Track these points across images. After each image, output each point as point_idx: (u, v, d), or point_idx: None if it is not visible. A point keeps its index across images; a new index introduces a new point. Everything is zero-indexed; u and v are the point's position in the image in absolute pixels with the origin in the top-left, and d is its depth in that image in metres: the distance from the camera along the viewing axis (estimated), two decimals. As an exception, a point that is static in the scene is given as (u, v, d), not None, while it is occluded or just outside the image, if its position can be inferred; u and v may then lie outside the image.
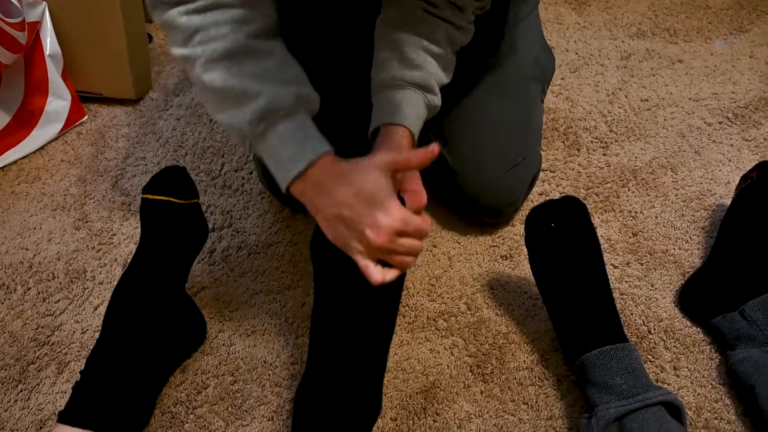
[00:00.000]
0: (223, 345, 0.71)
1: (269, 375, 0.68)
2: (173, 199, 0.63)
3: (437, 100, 0.67)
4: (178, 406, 0.66)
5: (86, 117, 1.00)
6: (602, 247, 0.77)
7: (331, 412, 0.58)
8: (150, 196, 0.63)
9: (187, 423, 0.65)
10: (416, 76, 0.65)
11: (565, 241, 0.62)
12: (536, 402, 0.64)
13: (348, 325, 0.60)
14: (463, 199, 0.78)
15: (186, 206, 0.65)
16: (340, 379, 0.59)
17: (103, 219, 0.86)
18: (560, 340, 0.66)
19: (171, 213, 0.64)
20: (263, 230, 0.83)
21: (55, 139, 0.97)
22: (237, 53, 0.54)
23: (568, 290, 0.62)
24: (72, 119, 0.98)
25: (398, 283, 0.64)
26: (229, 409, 0.66)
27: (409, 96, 0.65)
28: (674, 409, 0.56)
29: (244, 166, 0.91)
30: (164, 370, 0.65)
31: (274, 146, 0.55)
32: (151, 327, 0.63)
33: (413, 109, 0.65)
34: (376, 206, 0.52)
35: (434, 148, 0.54)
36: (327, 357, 0.61)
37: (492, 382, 0.66)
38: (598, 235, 0.77)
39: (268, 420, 0.65)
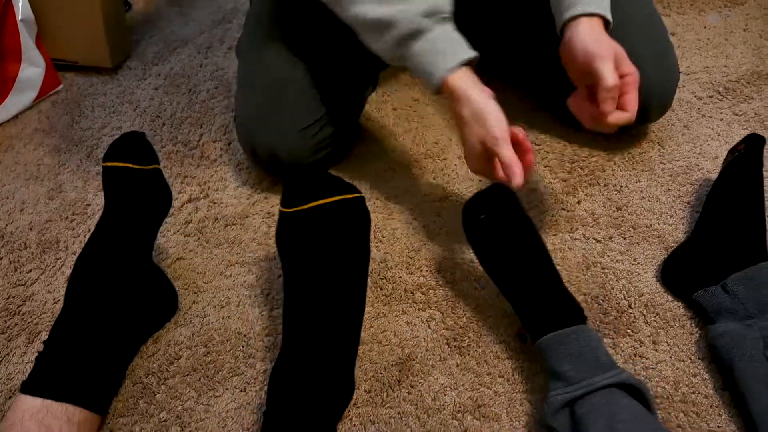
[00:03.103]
0: (197, 316, 0.70)
1: (243, 346, 0.67)
2: (132, 165, 0.61)
3: None
4: (150, 376, 0.65)
5: (61, 85, 0.98)
6: (585, 221, 0.76)
7: (303, 397, 0.57)
8: (109, 164, 0.62)
9: (158, 393, 0.64)
10: None
11: (498, 230, 0.61)
12: (512, 375, 0.63)
13: (317, 309, 0.59)
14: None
15: (146, 172, 0.63)
16: (312, 363, 0.58)
17: (77, 189, 0.84)
18: (524, 325, 0.65)
19: (131, 180, 0.62)
20: (240, 202, 0.81)
21: (30, 107, 0.95)
22: None
23: (513, 279, 0.61)
24: (47, 87, 0.96)
25: (363, 267, 0.63)
26: (202, 379, 0.65)
27: None
28: (634, 389, 0.55)
29: (223, 137, 0.89)
30: (133, 340, 0.64)
31: (413, 65, 0.65)
32: (114, 295, 0.61)
33: None
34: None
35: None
36: (298, 341, 0.59)
37: (468, 355, 0.65)
38: (582, 209, 0.77)
39: (241, 391, 0.64)
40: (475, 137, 0.63)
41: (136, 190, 0.63)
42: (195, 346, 0.68)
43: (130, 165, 0.61)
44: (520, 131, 0.63)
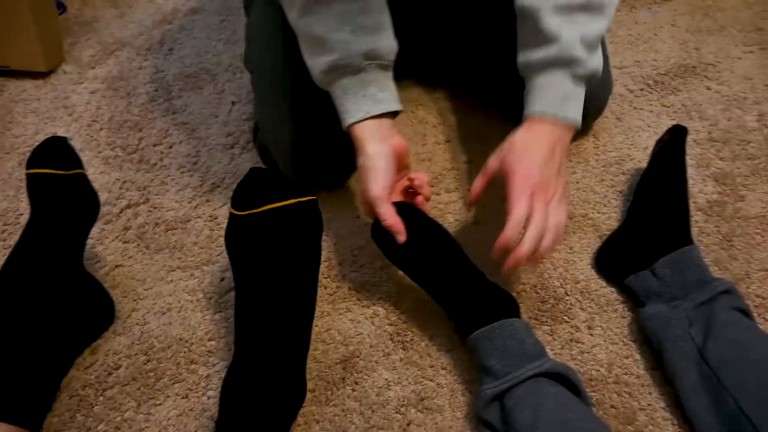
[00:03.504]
0: (137, 324, 0.69)
1: (184, 352, 0.66)
2: (54, 171, 0.60)
3: (589, 65, 0.63)
4: (87, 388, 0.64)
5: (-8, 91, 0.94)
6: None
7: (257, 401, 0.57)
8: (32, 171, 0.60)
9: (96, 405, 0.62)
10: (550, 54, 0.62)
11: (410, 240, 0.62)
12: (454, 367, 0.64)
13: (269, 313, 0.59)
14: None
15: (69, 177, 0.62)
16: (265, 367, 0.58)
17: (8, 198, 0.80)
18: (455, 325, 0.66)
19: (54, 186, 0.61)
20: (182, 205, 0.80)
21: (-42, 115, 0.91)
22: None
23: (434, 283, 0.63)
24: (-24, 94, 0.92)
25: (314, 269, 0.63)
26: (142, 388, 0.64)
27: (545, 81, 0.63)
28: (562, 376, 0.57)
29: (163, 140, 0.87)
30: (65, 353, 0.62)
31: (336, 96, 0.64)
32: (42, 306, 0.59)
33: (551, 90, 0.62)
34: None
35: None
36: (251, 345, 0.59)
37: (412, 349, 0.66)
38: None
39: (183, 398, 0.63)
40: (360, 190, 0.63)
41: (59, 196, 0.61)
42: (135, 354, 0.66)
43: (52, 171, 0.59)
44: (418, 178, 0.64)
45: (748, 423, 0.53)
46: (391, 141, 0.63)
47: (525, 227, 0.59)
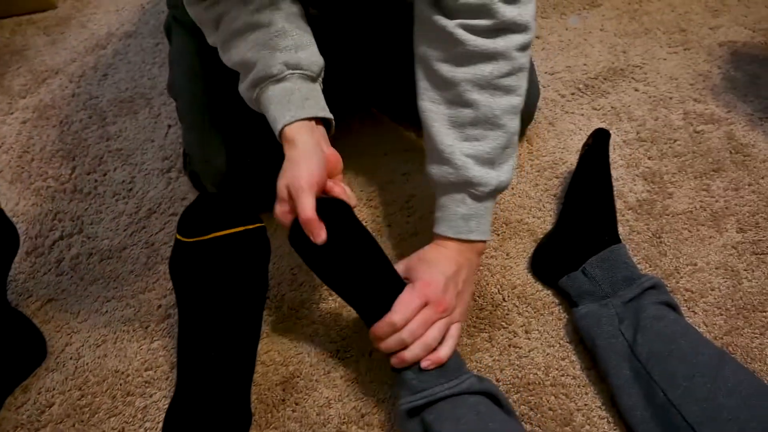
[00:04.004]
0: (71, 359, 0.67)
1: (120, 384, 0.65)
2: None
3: (490, 182, 0.61)
4: (19, 429, 0.62)
5: None
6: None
7: (203, 430, 0.56)
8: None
9: (29, 446, 0.61)
10: (446, 174, 0.62)
11: (334, 241, 0.57)
12: (395, 380, 0.64)
13: (212, 342, 0.58)
14: None
15: None
16: (210, 396, 0.57)
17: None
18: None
19: None
20: (117, 234, 0.78)
21: None
22: (243, 30, 0.61)
23: (355, 289, 0.60)
24: None
25: (261, 297, 0.63)
26: (76, 425, 0.62)
27: (447, 200, 0.62)
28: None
29: (97, 167, 0.86)
30: (-7, 393, 0.60)
31: (265, 109, 0.62)
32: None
33: (452, 211, 0.62)
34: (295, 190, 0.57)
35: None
36: (195, 374, 0.58)
37: (352, 366, 0.65)
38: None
39: (119, 432, 0.62)
40: (283, 181, 0.57)
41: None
42: (68, 390, 0.65)
43: (-38, 209, 0.57)
44: (337, 185, 0.60)
45: (677, 413, 0.54)
46: (324, 147, 0.60)
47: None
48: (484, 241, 0.64)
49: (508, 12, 0.57)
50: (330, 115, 0.61)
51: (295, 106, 0.58)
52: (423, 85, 0.62)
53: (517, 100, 0.60)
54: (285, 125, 0.59)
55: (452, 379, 0.56)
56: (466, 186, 0.61)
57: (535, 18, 0.60)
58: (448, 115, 0.61)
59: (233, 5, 0.60)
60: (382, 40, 0.78)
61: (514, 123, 0.61)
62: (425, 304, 0.58)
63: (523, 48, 0.59)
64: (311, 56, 0.61)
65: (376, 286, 0.59)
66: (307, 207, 0.55)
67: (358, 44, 0.79)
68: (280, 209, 0.58)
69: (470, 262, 0.62)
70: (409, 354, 0.57)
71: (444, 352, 0.58)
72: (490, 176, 0.61)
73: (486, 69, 0.58)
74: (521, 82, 0.61)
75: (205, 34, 0.65)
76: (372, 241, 0.61)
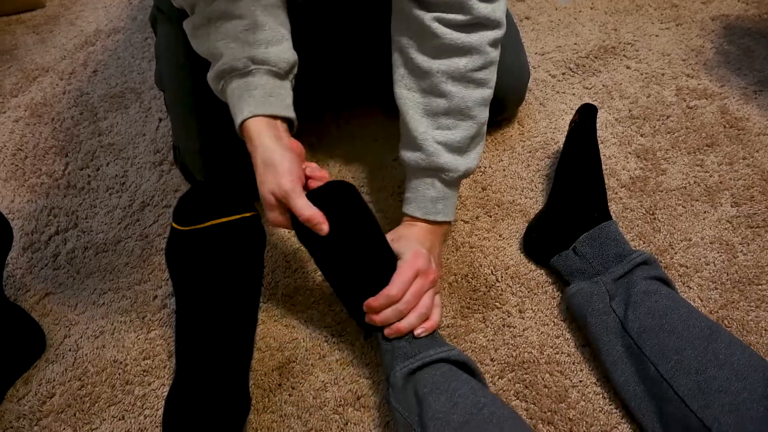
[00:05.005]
0: (70, 350, 0.68)
1: (119, 374, 0.65)
2: None
3: (459, 168, 0.64)
4: (21, 420, 0.63)
5: None
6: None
7: (203, 416, 0.56)
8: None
9: (31, 436, 0.62)
10: (418, 159, 0.64)
11: (338, 225, 0.58)
12: (382, 361, 0.65)
13: (211, 329, 0.59)
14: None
15: None
16: (209, 382, 0.57)
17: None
18: (354, 319, 0.63)
19: None
20: (111, 227, 0.79)
21: None
22: (215, 18, 0.60)
23: (353, 273, 0.60)
24: None
25: (257, 284, 0.63)
26: (77, 414, 0.63)
27: (418, 183, 0.65)
28: (464, 365, 0.57)
29: (90, 163, 0.86)
30: (-7, 386, 0.61)
31: (228, 99, 0.61)
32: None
33: (422, 193, 0.65)
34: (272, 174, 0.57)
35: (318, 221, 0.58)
36: (194, 361, 0.59)
37: (347, 349, 0.66)
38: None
39: (119, 419, 0.62)
40: (266, 188, 0.57)
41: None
42: (68, 381, 0.65)
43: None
44: (315, 169, 0.60)
45: (669, 387, 0.54)
46: (286, 140, 0.60)
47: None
48: (449, 222, 0.68)
49: (482, 9, 0.60)
50: (293, 115, 0.60)
51: (256, 101, 0.58)
52: (400, 72, 0.64)
53: (487, 93, 0.64)
54: (243, 120, 0.59)
55: (443, 346, 0.59)
56: (436, 171, 0.65)
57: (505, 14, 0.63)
58: (423, 104, 0.63)
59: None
60: (367, 28, 0.77)
61: (484, 114, 0.64)
62: (416, 276, 0.60)
63: (495, 44, 0.62)
64: (282, 52, 0.60)
65: (378, 263, 0.61)
66: (303, 208, 0.56)
67: (343, 32, 0.79)
68: (272, 216, 0.59)
69: (439, 241, 0.68)
70: (405, 323, 0.59)
71: (435, 319, 0.61)
72: (459, 163, 0.65)
73: (460, 63, 0.61)
74: (492, 75, 0.64)
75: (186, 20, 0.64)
76: (373, 219, 0.62)
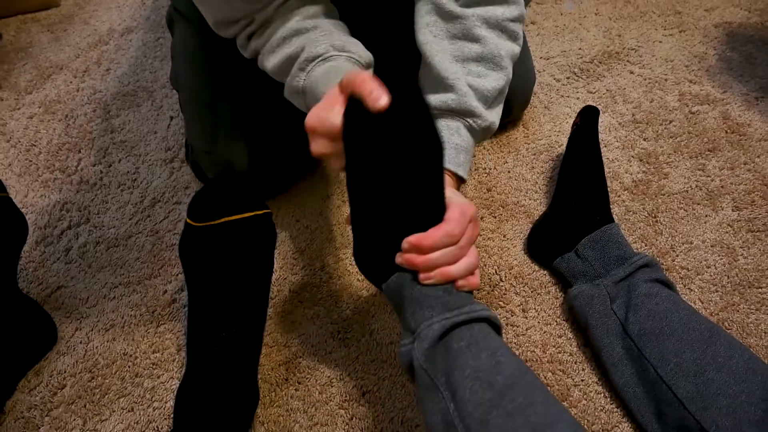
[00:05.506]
0: (81, 343, 0.69)
1: (129, 366, 0.67)
2: None
3: (487, 118, 0.60)
4: (33, 410, 0.64)
5: (-73, 123, 0.94)
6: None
7: (213, 409, 0.58)
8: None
9: (42, 426, 0.63)
10: (447, 100, 0.60)
11: (397, 135, 0.48)
12: (394, 359, 0.66)
13: (222, 323, 0.60)
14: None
15: None
16: (219, 376, 0.59)
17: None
18: (363, 259, 0.54)
19: None
20: (122, 222, 0.80)
21: None
22: (289, 36, 0.60)
23: (399, 199, 0.50)
24: None
25: (267, 280, 0.64)
26: (87, 405, 0.64)
27: (442, 126, 0.60)
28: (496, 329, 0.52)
29: (102, 159, 0.88)
30: (7, 376, 0.62)
31: (311, 89, 0.57)
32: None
33: (446, 139, 0.59)
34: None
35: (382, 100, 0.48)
36: (204, 354, 0.60)
37: (353, 345, 0.67)
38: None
39: (128, 411, 0.63)
40: (306, 121, 0.51)
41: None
42: (79, 372, 0.67)
43: (-27, 197, 0.59)
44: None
45: (668, 390, 0.55)
46: None
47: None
48: (464, 181, 0.62)
49: None
50: None
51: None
52: (427, 20, 0.61)
53: (517, 49, 0.62)
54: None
55: (482, 305, 0.51)
56: (465, 114, 0.60)
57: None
58: (452, 50, 0.60)
59: (275, 28, 0.59)
60: (379, 31, 0.79)
61: (510, 70, 0.62)
62: (470, 222, 0.53)
63: (527, 1, 0.62)
64: (360, 49, 0.60)
65: (433, 196, 0.51)
66: (355, 80, 0.48)
67: (356, 33, 0.80)
68: (314, 144, 0.52)
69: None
70: (455, 270, 0.51)
71: (478, 276, 0.54)
72: (486, 113, 0.61)
73: (498, 10, 0.60)
74: (521, 32, 0.62)
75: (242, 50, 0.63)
76: (436, 134, 0.51)
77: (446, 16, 0.61)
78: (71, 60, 1.06)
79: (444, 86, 0.60)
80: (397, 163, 0.49)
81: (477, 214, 0.55)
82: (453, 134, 0.60)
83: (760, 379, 0.52)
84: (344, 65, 0.57)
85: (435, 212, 0.51)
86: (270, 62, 0.61)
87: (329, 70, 0.56)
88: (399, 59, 0.69)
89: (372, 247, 0.53)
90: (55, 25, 1.14)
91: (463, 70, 0.60)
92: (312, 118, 0.51)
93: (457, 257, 0.52)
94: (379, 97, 0.47)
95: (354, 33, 0.65)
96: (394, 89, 0.48)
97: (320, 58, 0.57)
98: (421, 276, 0.51)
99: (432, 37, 0.61)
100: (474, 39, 0.60)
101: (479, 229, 0.57)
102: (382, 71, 0.57)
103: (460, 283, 0.52)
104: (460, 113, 0.60)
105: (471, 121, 0.60)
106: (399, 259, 0.51)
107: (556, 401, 0.44)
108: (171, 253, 0.76)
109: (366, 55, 0.59)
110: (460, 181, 0.61)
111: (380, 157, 0.49)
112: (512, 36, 0.61)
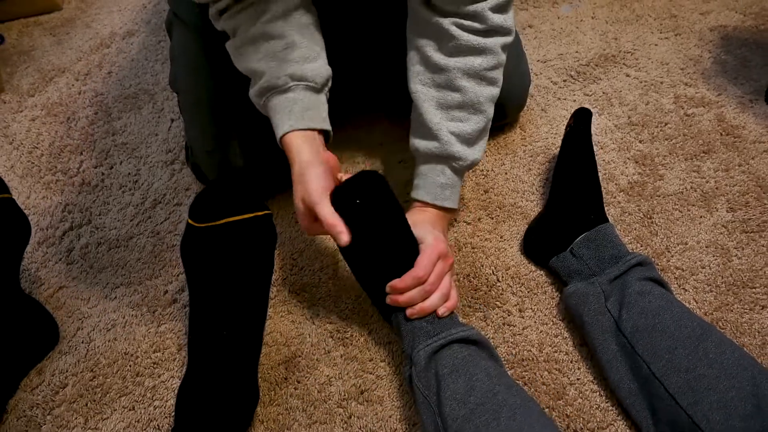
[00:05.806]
0: (82, 342, 0.70)
1: (130, 366, 0.68)
2: None
3: (468, 158, 0.69)
4: (35, 408, 0.65)
5: (-69, 125, 0.95)
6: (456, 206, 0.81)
7: (213, 408, 0.59)
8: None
9: (44, 425, 0.63)
10: (431, 147, 0.69)
11: (370, 215, 0.62)
12: (393, 359, 0.67)
13: (223, 322, 0.61)
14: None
15: None
16: (220, 375, 0.60)
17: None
18: (375, 303, 0.68)
19: None
20: (124, 224, 0.81)
21: None
22: (255, 39, 0.65)
23: (380, 257, 0.63)
24: None
25: (267, 280, 0.66)
26: (89, 404, 0.65)
27: (428, 169, 0.70)
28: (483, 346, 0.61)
29: (104, 161, 0.89)
30: (9, 375, 0.63)
31: (269, 114, 0.66)
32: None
33: (432, 180, 0.69)
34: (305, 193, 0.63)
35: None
36: (205, 354, 0.61)
37: (352, 345, 0.68)
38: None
39: (129, 410, 0.64)
40: (298, 196, 0.63)
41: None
42: (81, 372, 0.68)
43: (-24, 198, 0.60)
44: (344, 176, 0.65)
45: (660, 385, 0.56)
46: (321, 154, 0.65)
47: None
48: (455, 210, 0.73)
49: (496, 18, 0.66)
50: (329, 127, 0.66)
51: (295, 116, 0.64)
52: (416, 69, 0.69)
53: (496, 91, 0.70)
54: (284, 134, 0.64)
55: (462, 326, 0.62)
56: (448, 159, 0.69)
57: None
58: (437, 98, 0.68)
59: (248, 17, 0.65)
60: (372, 39, 0.81)
61: (491, 110, 0.71)
62: (439, 259, 0.65)
63: (505, 48, 0.69)
64: (318, 68, 0.66)
65: (404, 247, 0.64)
66: (327, 215, 0.61)
67: (350, 43, 0.82)
68: (304, 223, 0.64)
69: (446, 228, 0.73)
70: (429, 303, 0.63)
71: (455, 299, 0.65)
72: (468, 153, 0.70)
73: (476, 61, 0.67)
74: (500, 76, 0.71)
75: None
76: (399, 206, 0.65)
77: (432, 67, 0.68)
78: (73, 63, 1.07)
79: (430, 135, 0.69)
80: (374, 238, 0.63)
81: (446, 249, 0.67)
82: (438, 175, 0.70)
83: (749, 374, 0.53)
84: (300, 95, 0.65)
85: (407, 261, 0.64)
86: (238, 64, 0.68)
87: (285, 102, 0.65)
88: (380, 57, 0.78)
89: (375, 296, 0.67)
90: (57, 29, 1.16)
91: (447, 116, 0.69)
92: (299, 203, 0.63)
93: (428, 293, 0.63)
94: (340, 239, 0.61)
95: (333, 34, 0.71)
96: (362, 188, 0.62)
97: (277, 90, 0.65)
98: (407, 312, 0.63)
99: (421, 86, 0.70)
100: (456, 89, 0.68)
101: (452, 260, 0.68)
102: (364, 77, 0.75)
103: (440, 311, 0.63)
104: (444, 158, 0.70)
105: (454, 163, 0.70)
106: (388, 300, 0.64)
107: (527, 414, 0.55)
108: (172, 253, 0.77)
109: (322, 77, 0.66)
110: (448, 211, 0.72)
111: (361, 238, 0.63)
112: (491, 82, 0.69)
